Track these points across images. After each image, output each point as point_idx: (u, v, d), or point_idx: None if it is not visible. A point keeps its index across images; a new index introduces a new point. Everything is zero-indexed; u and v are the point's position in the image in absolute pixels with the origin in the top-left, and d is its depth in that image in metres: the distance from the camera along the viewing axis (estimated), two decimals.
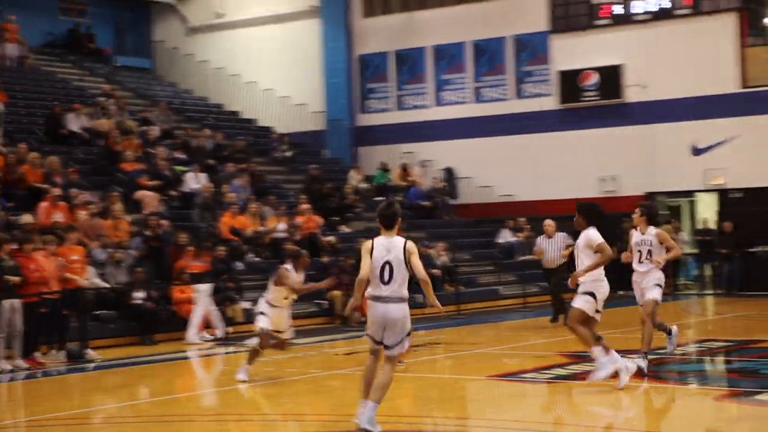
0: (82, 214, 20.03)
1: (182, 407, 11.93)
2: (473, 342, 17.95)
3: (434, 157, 30.27)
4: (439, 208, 28.78)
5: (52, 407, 11.93)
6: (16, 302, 15.44)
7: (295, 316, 14.21)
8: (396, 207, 9.35)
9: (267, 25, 33.06)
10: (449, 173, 30.09)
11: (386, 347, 9.10)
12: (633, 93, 28.06)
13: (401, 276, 9.04)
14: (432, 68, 30.89)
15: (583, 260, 10.99)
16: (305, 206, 24.47)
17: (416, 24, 31.11)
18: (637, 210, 12.55)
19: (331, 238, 24.01)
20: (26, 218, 18.42)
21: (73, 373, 15.17)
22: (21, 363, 15.45)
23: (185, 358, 17.35)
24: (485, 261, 26.81)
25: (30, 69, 29.49)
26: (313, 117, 32.01)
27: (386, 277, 9.05)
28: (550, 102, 29.19)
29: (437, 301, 9.21)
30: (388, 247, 9.11)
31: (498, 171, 29.34)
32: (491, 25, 29.89)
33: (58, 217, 19.22)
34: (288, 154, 29.23)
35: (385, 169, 29.58)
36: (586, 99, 28.61)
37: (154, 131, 26.12)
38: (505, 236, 27.46)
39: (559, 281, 18.51)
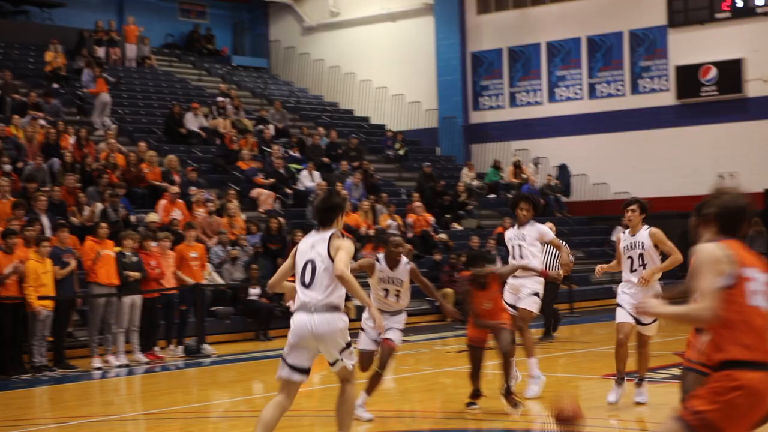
0: (200, 212, 20.45)
1: (294, 403, 12.10)
2: (587, 341, 17.78)
3: (547, 154, 30.04)
4: (552, 205, 28.56)
5: (169, 401, 12.24)
6: (137, 298, 15.87)
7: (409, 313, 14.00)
8: (335, 199, 7.60)
9: (381, 23, 33.24)
10: (563, 170, 29.82)
11: (330, 364, 7.52)
12: (754, 87, 27.41)
13: (327, 278, 7.30)
14: (546, 64, 30.66)
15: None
16: (417, 204, 24.54)
17: (530, 20, 30.92)
18: (633, 205, 10.39)
19: (443, 236, 24.04)
20: (147, 216, 18.87)
21: (190, 368, 15.52)
22: (140, 357, 15.87)
23: None
24: (599, 259, 26.46)
25: (150, 69, 30.22)
26: (426, 114, 32.08)
27: (307, 278, 7.35)
28: (667, 97, 28.70)
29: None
30: (313, 242, 7.41)
31: (613, 168, 28.97)
32: (607, 19, 29.54)
33: (177, 214, 19.65)
34: (401, 152, 29.35)
35: (497, 167, 29.47)
36: (705, 94, 28.05)
37: (270, 130, 26.51)
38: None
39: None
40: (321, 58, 34.10)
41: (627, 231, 10.45)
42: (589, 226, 29.01)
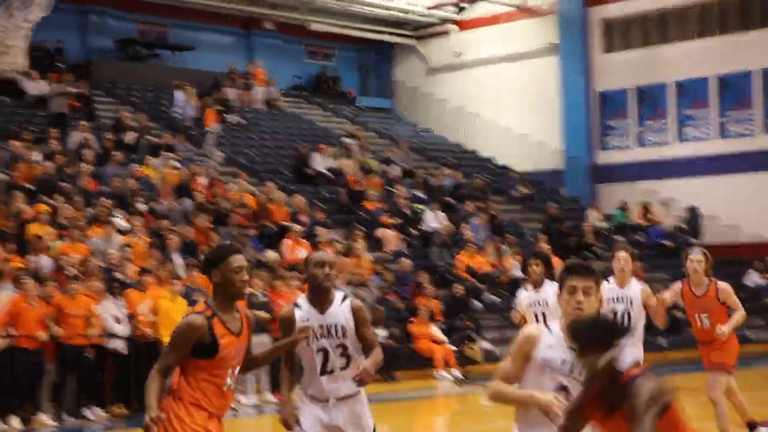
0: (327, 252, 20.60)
1: None
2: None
3: (676, 196, 29.45)
4: (682, 248, 27.91)
5: None
6: (266, 338, 16.02)
7: None
8: None
9: (505, 63, 33.17)
10: (692, 212, 29.18)
11: None
12: None
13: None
14: (674, 104, 30.15)
15: None
16: (543, 245, 24.29)
17: (657, 58, 30.47)
18: (622, 251, 9.49)
19: None
20: (273, 255, 19.11)
21: None
22: (270, 397, 16.00)
23: (426, 396, 17.49)
24: None
25: (278, 111, 30.73)
26: (552, 155, 31.83)
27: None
28: None
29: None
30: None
31: (745, 209, 28.22)
32: (737, 58, 28.91)
33: (302, 254, 19.85)
34: (526, 192, 29.15)
35: (624, 208, 29.01)
36: None
37: (395, 170, 26.64)
38: (753, 278, 26.34)
39: None
40: (445, 98, 34.20)
41: (611, 281, 9.47)
42: (720, 269, 28.15)
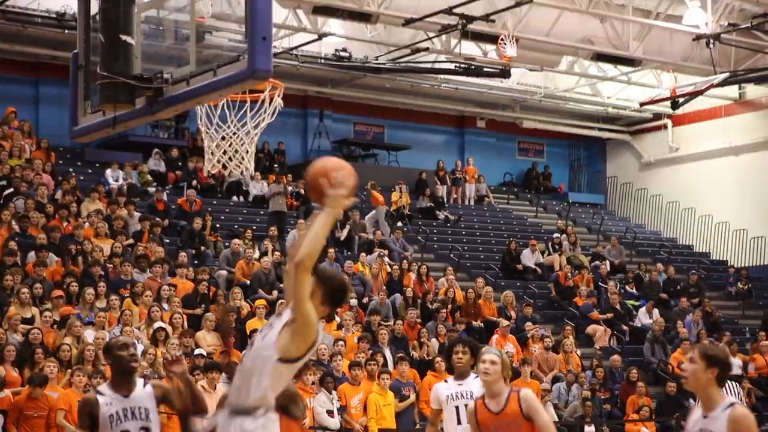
0: (536, 348, 20.63)
1: None
2: None
3: None
4: None
5: None
6: None
7: None
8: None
9: (722, 157, 32.52)
10: None
11: None
12: None
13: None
14: None
15: None
16: (764, 343, 23.50)
17: None
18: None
19: None
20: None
21: None
22: None
23: None
24: None
25: (488, 207, 31.11)
26: None
27: None
28: None
29: None
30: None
31: None
32: None
33: (509, 348, 19.94)
34: (744, 288, 28.26)
35: None
36: None
37: (606, 266, 26.42)
38: None
39: None
40: (659, 194, 33.72)
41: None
42: None
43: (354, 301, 20.08)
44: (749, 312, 27.43)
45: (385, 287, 21.58)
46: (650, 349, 22.63)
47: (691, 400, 20.86)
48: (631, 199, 34.65)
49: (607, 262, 26.92)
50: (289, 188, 24.94)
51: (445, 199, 29.69)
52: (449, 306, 21.38)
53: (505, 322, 20.73)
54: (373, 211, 25.85)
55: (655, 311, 24.17)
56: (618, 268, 27.11)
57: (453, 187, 30.39)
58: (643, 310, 24.22)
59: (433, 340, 19.49)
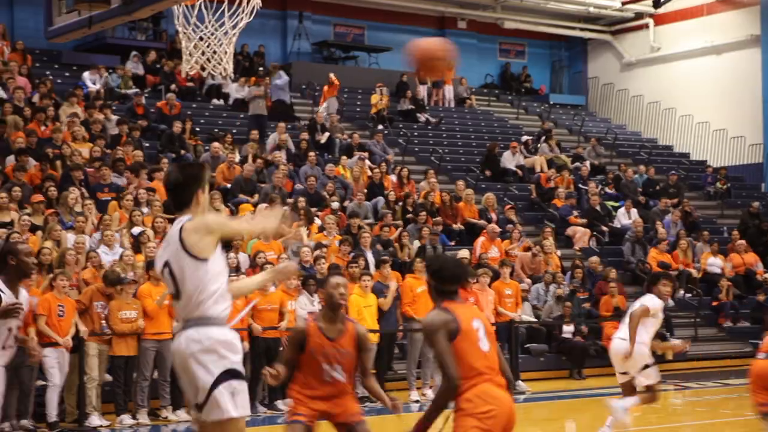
0: (515, 249, 20.74)
1: None
2: None
3: None
4: None
5: None
6: None
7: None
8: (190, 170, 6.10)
9: (704, 56, 32.41)
10: None
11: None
12: None
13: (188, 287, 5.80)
14: None
15: None
16: (740, 242, 23.72)
17: None
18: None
19: None
20: (464, 253, 19.38)
21: None
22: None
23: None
24: None
25: (469, 109, 31.00)
26: (750, 149, 30.90)
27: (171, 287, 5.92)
28: None
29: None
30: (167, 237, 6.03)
31: None
32: None
33: (494, 252, 20.06)
34: (723, 188, 28.42)
35: None
36: None
37: (586, 167, 26.48)
38: None
39: None
40: (640, 94, 33.67)
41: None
42: None
43: (336, 204, 20.09)
44: (728, 212, 27.62)
45: (366, 190, 21.59)
46: (630, 249, 22.82)
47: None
48: (612, 100, 34.61)
49: (588, 163, 26.96)
50: (268, 92, 24.72)
51: (426, 102, 29.55)
52: (429, 209, 21.39)
53: (490, 226, 20.78)
54: (325, 103, 25.82)
55: (634, 212, 24.30)
56: (598, 169, 27.17)
57: (434, 89, 30.22)
58: (622, 210, 24.35)
59: (415, 242, 19.55)
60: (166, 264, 5.82)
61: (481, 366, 5.89)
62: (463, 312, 6.02)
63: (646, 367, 10.89)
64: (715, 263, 23.05)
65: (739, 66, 31.43)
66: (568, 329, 19.09)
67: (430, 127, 28.23)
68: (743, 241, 23.79)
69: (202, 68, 11.64)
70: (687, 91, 32.46)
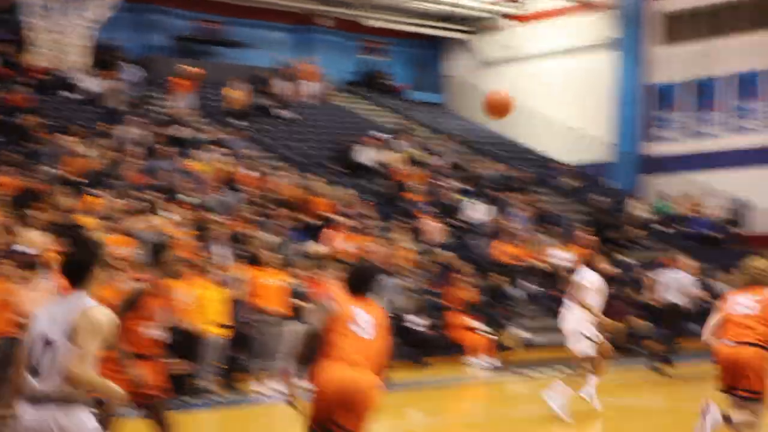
0: (369, 243, 21.08)
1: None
2: None
3: (727, 188, 29.45)
4: (728, 239, 27.97)
5: None
6: (300, 326, 16.50)
7: None
8: (89, 252, 5.56)
9: (559, 57, 33.35)
10: (737, 203, 29.19)
11: None
12: None
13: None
14: (727, 97, 30.13)
15: None
16: (583, 234, 24.58)
17: (710, 52, 30.47)
18: None
19: (607, 266, 23.87)
20: (314, 246, 19.64)
21: None
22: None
23: (457, 382, 17.89)
24: None
25: (326, 105, 31.29)
26: (602, 147, 31.95)
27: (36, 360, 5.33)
28: None
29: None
30: (56, 311, 5.43)
31: None
32: None
33: (348, 246, 20.34)
34: (573, 184, 29.32)
35: (666, 199, 29.11)
36: None
37: (441, 163, 27.01)
38: None
39: None
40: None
41: None
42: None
43: (188, 199, 20.10)
44: (578, 207, 28.52)
45: (221, 185, 21.64)
46: (481, 243, 23.39)
47: (518, 289, 21.80)
48: (469, 99, 35.31)
49: (443, 159, 27.49)
50: (125, 87, 24.56)
51: (284, 98, 29.71)
52: (284, 203, 21.57)
53: (339, 219, 21.07)
54: (182, 98, 25.86)
55: (487, 207, 24.90)
56: (453, 166, 27.72)
57: (292, 85, 30.39)
58: (470, 204, 24.91)
59: (266, 234, 19.69)
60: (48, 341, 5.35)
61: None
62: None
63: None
64: (561, 255, 23.78)
65: (594, 67, 32.46)
66: (417, 320, 19.45)
67: (287, 123, 28.41)
68: (587, 235, 24.62)
69: (54, 60, 11.61)
70: (541, 90, 33.37)
